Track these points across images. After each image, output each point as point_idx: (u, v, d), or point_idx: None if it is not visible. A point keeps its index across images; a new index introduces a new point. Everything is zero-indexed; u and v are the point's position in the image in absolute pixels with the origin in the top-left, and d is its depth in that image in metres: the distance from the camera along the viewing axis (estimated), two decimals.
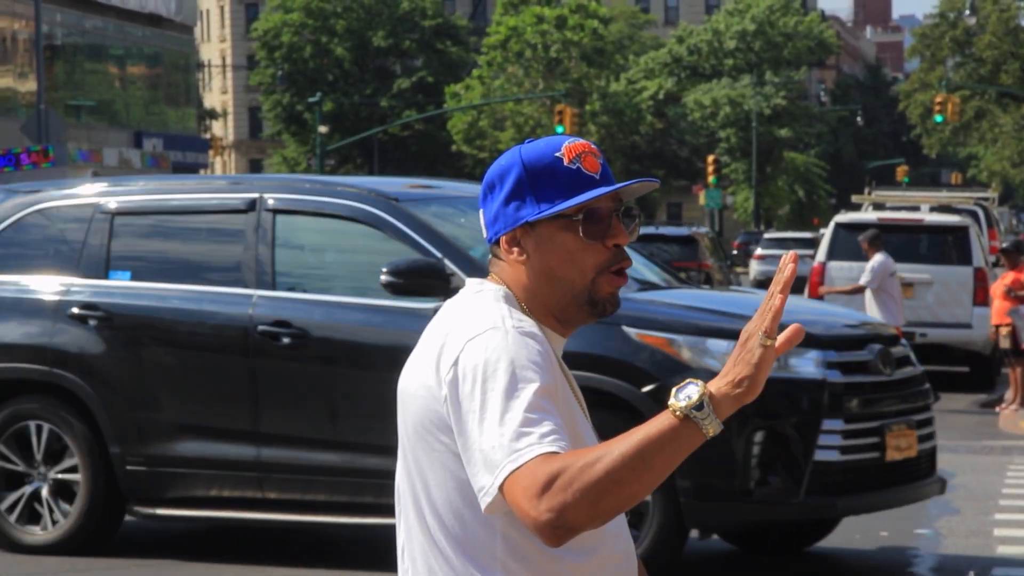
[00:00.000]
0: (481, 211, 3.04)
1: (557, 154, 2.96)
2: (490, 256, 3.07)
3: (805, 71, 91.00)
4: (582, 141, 2.99)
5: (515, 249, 2.98)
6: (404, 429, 2.98)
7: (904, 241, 21.89)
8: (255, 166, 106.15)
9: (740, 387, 2.71)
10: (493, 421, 2.77)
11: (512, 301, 2.98)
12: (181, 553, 10.44)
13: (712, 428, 2.69)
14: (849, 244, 21.69)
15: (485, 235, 3.05)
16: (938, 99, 55.91)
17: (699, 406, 2.68)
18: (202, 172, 64.06)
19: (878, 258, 18.77)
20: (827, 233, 22.23)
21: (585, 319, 3.00)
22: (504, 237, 2.99)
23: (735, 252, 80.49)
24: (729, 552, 10.67)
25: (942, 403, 20.10)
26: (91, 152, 35.39)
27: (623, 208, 3.00)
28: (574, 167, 2.95)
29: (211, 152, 63.17)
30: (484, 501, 2.78)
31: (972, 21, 77.25)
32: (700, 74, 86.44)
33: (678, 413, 2.69)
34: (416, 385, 2.94)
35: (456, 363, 2.85)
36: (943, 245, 21.80)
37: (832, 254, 21.68)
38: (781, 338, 2.73)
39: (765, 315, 2.73)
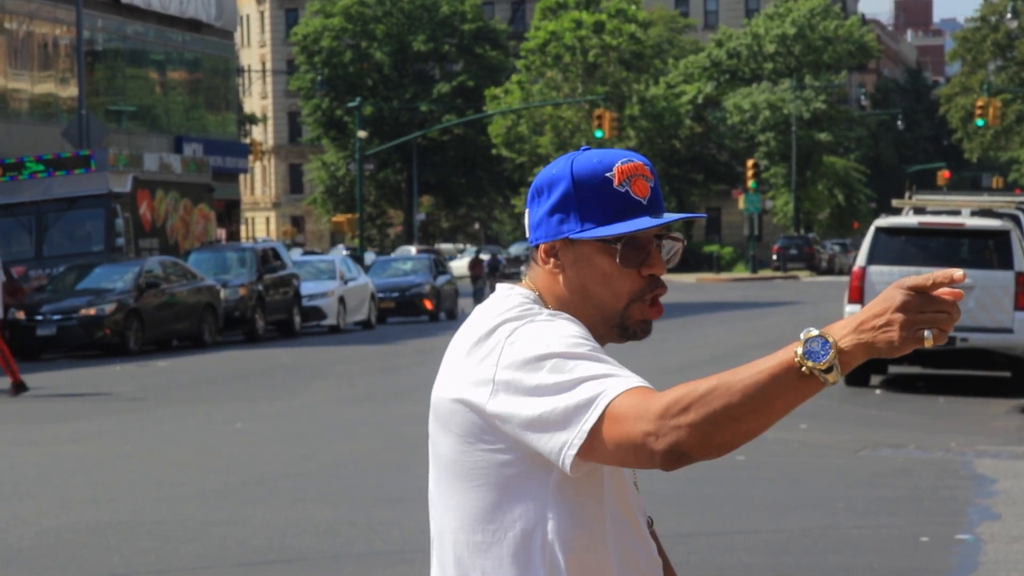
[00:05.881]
0: (527, 211, 3.06)
1: (608, 174, 2.95)
2: (528, 258, 3.09)
3: (845, 75, 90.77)
4: (636, 162, 2.96)
5: (552, 260, 2.99)
6: (443, 438, 2.96)
7: (945, 245, 21.78)
8: (294, 171, 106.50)
9: (885, 336, 2.61)
10: (568, 383, 2.76)
11: (541, 305, 2.99)
12: None
13: (833, 379, 2.63)
14: (890, 248, 21.59)
15: (528, 235, 3.06)
16: (979, 103, 55.72)
17: (828, 369, 2.63)
18: (242, 177, 64.31)
19: None
20: (867, 238, 22.13)
21: (614, 340, 3.02)
22: (543, 246, 3.00)
23: (774, 257, 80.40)
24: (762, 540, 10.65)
25: (984, 408, 20.03)
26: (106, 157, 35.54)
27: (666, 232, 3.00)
28: (623, 190, 2.94)
29: (251, 157, 63.33)
30: (569, 454, 2.75)
31: (1014, 24, 76.91)
32: (740, 78, 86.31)
33: (804, 370, 2.64)
34: (453, 392, 2.92)
35: (499, 361, 2.84)
36: (984, 249, 21.69)
37: (872, 258, 21.59)
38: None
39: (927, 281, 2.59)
